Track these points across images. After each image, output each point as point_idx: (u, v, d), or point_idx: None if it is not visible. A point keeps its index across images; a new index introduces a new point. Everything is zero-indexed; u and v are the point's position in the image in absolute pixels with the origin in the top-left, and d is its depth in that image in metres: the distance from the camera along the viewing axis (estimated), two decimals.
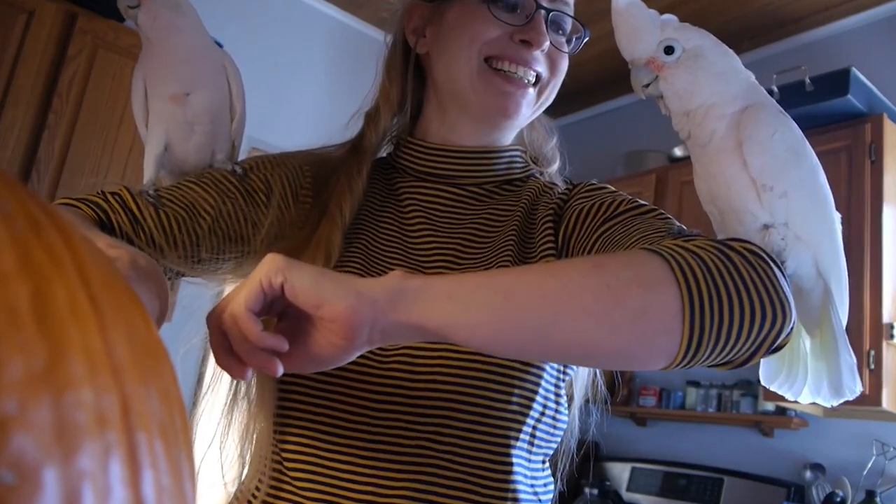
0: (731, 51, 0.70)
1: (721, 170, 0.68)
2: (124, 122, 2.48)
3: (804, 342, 0.72)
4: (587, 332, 0.53)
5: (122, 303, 0.29)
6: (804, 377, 0.72)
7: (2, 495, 0.20)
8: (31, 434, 0.22)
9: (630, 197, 0.75)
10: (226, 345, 0.53)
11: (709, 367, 0.59)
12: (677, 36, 0.67)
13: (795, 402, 0.76)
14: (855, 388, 0.69)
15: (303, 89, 3.23)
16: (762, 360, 0.72)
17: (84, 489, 0.23)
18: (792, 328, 0.58)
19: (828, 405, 0.72)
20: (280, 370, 0.52)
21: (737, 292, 0.55)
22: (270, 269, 0.52)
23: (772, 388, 0.73)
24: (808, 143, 0.69)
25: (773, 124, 0.66)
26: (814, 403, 0.72)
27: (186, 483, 0.29)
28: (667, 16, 0.69)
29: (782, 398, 0.74)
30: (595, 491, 3.07)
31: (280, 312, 0.56)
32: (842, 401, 0.70)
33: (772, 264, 0.58)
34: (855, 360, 0.70)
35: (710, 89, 0.67)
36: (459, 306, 0.53)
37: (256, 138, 2.70)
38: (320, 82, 3.30)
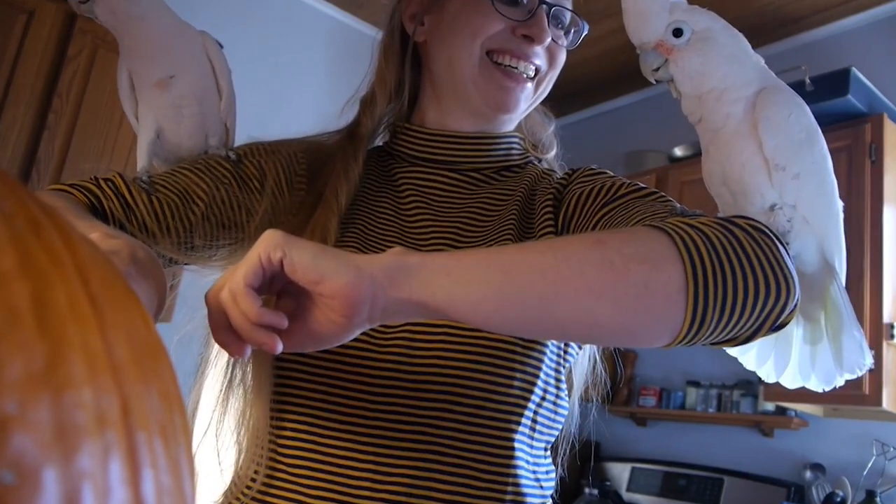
0: (740, 34, 0.69)
1: (736, 152, 0.67)
2: (124, 122, 2.47)
3: (796, 329, 0.72)
4: (589, 308, 0.53)
5: (122, 303, 0.29)
6: (793, 361, 0.72)
7: (2, 495, 0.20)
8: (31, 434, 0.22)
9: (630, 181, 0.74)
10: (224, 322, 0.52)
11: (712, 344, 0.59)
12: (686, 18, 0.66)
13: (797, 400, 0.76)
14: (864, 362, 0.69)
15: (303, 89, 3.23)
16: (752, 346, 0.72)
17: (84, 489, 0.23)
18: (796, 304, 0.58)
19: (819, 389, 0.71)
20: (279, 347, 0.52)
21: (741, 267, 0.54)
22: (269, 244, 0.52)
23: (759, 372, 0.73)
24: (819, 128, 0.69)
25: (788, 106, 0.66)
26: (815, 400, 0.72)
27: (186, 482, 0.29)
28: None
29: (782, 398, 0.74)
30: (595, 491, 3.07)
31: (279, 290, 0.56)
32: (849, 378, 0.70)
33: (776, 240, 0.58)
34: (863, 336, 0.69)
35: (722, 72, 0.66)
36: (458, 282, 0.53)
37: (256, 138, 2.70)
38: (320, 82, 3.30)
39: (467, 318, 0.54)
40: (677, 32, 0.66)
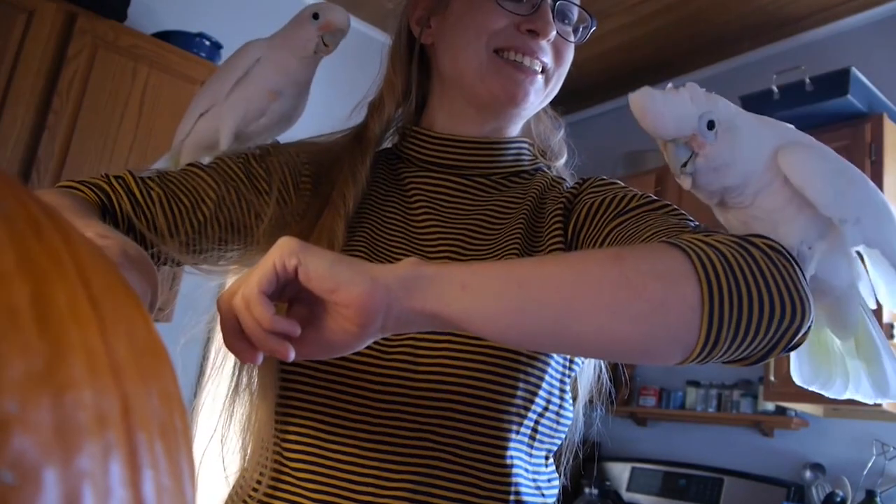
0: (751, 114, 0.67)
1: (771, 219, 0.65)
2: (124, 122, 2.48)
3: (835, 341, 0.71)
4: (603, 325, 0.53)
5: (122, 303, 0.29)
6: (842, 375, 0.71)
7: (2, 495, 0.20)
8: (31, 434, 0.22)
9: (642, 192, 0.74)
10: (237, 328, 0.52)
11: (724, 362, 0.59)
12: (711, 108, 0.63)
13: (797, 400, 0.76)
14: None
15: None
16: (797, 361, 0.72)
17: (84, 489, 0.23)
18: (810, 326, 0.58)
19: (871, 402, 0.71)
20: (292, 355, 0.52)
21: (756, 287, 0.54)
22: (285, 251, 0.52)
23: (811, 389, 0.72)
24: (840, 156, 0.68)
25: (813, 159, 0.64)
26: (815, 400, 0.73)
27: (186, 483, 0.29)
28: (689, 85, 0.64)
29: (782, 398, 0.74)
30: (595, 491, 3.07)
31: (292, 298, 0.56)
32: (890, 401, 0.70)
33: (792, 261, 0.58)
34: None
35: (748, 157, 0.64)
36: (474, 295, 0.53)
37: None
38: (319, 82, 3.28)
39: (481, 330, 0.54)
40: (711, 125, 0.62)
